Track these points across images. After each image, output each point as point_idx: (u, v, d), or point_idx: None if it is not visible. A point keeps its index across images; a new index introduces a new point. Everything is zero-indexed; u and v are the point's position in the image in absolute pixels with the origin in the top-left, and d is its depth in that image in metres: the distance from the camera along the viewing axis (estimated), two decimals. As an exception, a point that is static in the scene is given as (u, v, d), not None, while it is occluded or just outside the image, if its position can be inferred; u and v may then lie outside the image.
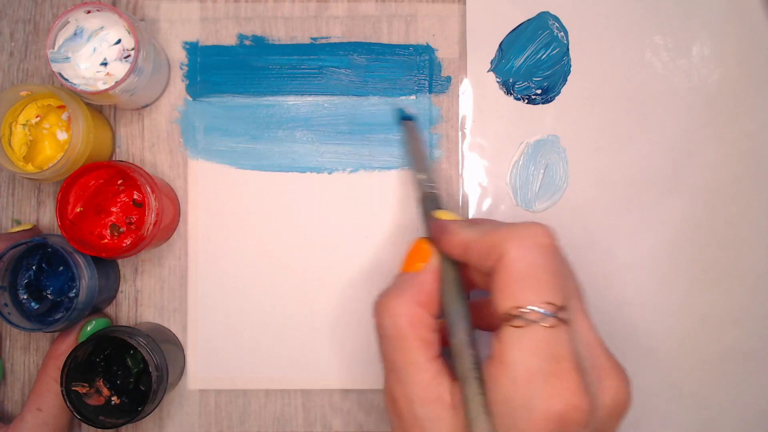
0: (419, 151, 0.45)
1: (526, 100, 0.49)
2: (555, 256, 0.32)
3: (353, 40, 0.49)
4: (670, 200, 0.49)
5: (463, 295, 0.35)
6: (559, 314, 0.31)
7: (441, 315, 0.35)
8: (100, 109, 0.48)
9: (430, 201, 0.41)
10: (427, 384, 0.33)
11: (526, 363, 0.30)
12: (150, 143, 0.49)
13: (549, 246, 0.32)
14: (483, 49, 0.49)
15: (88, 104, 0.44)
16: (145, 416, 0.42)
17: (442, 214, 0.38)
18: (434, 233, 0.37)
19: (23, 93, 0.43)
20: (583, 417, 0.30)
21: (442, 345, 0.35)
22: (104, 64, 0.43)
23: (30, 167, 0.44)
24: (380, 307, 0.35)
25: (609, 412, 0.32)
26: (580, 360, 0.31)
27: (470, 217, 0.49)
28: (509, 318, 0.31)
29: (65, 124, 0.45)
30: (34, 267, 0.44)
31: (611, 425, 0.32)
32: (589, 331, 0.33)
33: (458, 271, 0.36)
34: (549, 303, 0.31)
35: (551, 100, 0.49)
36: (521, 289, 0.31)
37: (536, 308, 0.30)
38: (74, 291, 0.43)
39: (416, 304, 0.34)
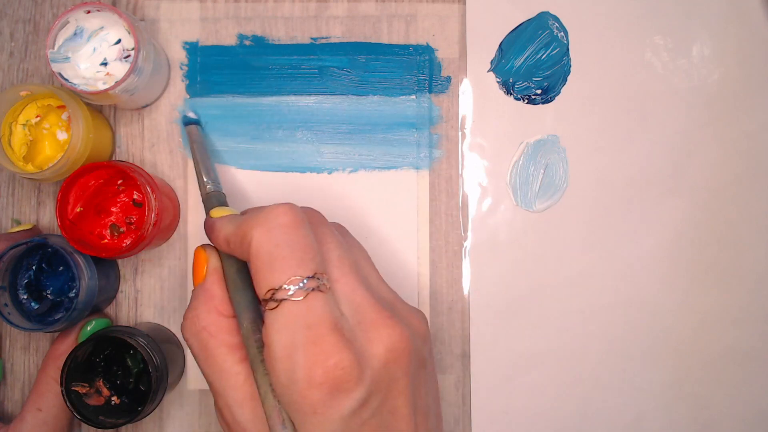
0: (201, 153, 0.45)
1: (526, 100, 0.49)
2: (298, 230, 0.33)
3: (353, 40, 0.49)
4: (670, 200, 0.49)
5: (245, 285, 0.35)
6: (309, 284, 0.31)
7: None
8: (100, 109, 0.48)
9: (212, 199, 0.41)
10: (240, 386, 0.33)
11: (283, 340, 0.30)
12: (150, 143, 0.49)
13: (289, 223, 0.33)
14: (483, 49, 0.49)
15: (88, 104, 0.44)
16: (145, 416, 0.42)
17: (216, 212, 0.38)
18: (206, 233, 0.37)
19: (23, 93, 0.43)
20: (349, 372, 0.30)
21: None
22: (104, 64, 0.43)
23: (30, 167, 0.44)
24: (182, 327, 0.35)
25: (385, 360, 0.32)
26: (341, 321, 0.31)
27: (470, 218, 0.49)
28: (264, 303, 0.31)
29: (65, 124, 0.45)
30: (34, 267, 0.44)
31: (398, 371, 0.32)
32: (355, 291, 0.33)
33: (240, 263, 0.36)
34: (298, 276, 0.31)
35: (551, 100, 0.49)
36: (267, 271, 0.32)
37: (285, 286, 0.31)
38: (74, 291, 0.43)
39: (210, 312, 0.34)
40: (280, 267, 0.31)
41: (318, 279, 0.32)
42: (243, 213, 0.37)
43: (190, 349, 0.35)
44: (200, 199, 0.48)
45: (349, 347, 0.31)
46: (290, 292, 0.31)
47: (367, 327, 0.32)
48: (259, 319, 0.33)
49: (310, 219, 0.35)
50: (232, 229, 0.34)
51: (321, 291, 0.31)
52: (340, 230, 0.38)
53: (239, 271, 0.36)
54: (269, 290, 0.31)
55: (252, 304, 0.34)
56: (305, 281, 0.31)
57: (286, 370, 0.30)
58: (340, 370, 0.30)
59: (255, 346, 0.33)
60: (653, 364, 0.48)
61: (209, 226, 0.37)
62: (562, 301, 0.48)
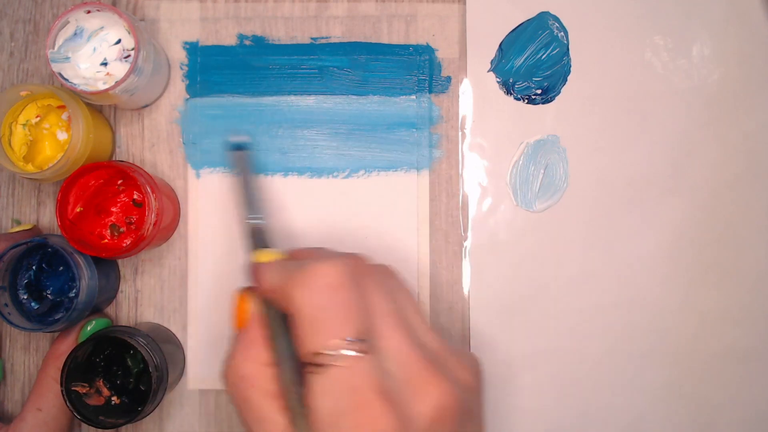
0: (248, 183, 0.42)
1: (526, 100, 0.49)
2: (343, 291, 0.32)
3: (353, 40, 0.49)
4: (670, 200, 0.49)
5: (286, 335, 0.34)
6: (353, 346, 0.31)
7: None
8: (100, 109, 0.48)
9: (255, 238, 0.39)
10: None
11: (328, 406, 0.30)
12: (150, 143, 0.49)
13: (334, 284, 0.32)
14: (483, 49, 0.49)
15: (88, 104, 0.44)
16: (145, 416, 0.42)
17: (260, 255, 0.37)
18: (251, 278, 0.36)
19: (23, 93, 0.43)
20: None
21: None
22: (104, 64, 0.43)
23: (30, 167, 0.44)
24: (223, 374, 0.35)
25: (431, 419, 0.31)
26: (387, 382, 0.31)
27: (470, 218, 0.49)
28: (307, 365, 0.31)
29: (65, 124, 0.45)
30: (34, 267, 0.44)
31: (444, 429, 0.32)
32: (402, 347, 0.33)
33: (283, 313, 0.35)
34: (342, 340, 0.31)
35: (551, 100, 0.49)
36: (310, 333, 0.31)
37: (328, 351, 0.31)
38: (74, 291, 0.43)
39: (251, 360, 0.34)
40: (323, 330, 0.31)
41: (363, 341, 0.31)
42: (288, 256, 0.36)
43: (230, 396, 0.34)
44: (201, 198, 0.48)
45: (395, 411, 0.30)
46: (334, 357, 0.31)
47: (414, 385, 0.32)
48: (300, 371, 0.33)
49: (355, 270, 0.34)
50: (276, 282, 0.34)
51: (366, 353, 0.31)
52: (385, 273, 0.37)
53: (282, 320, 0.35)
54: (312, 353, 0.31)
55: (293, 355, 0.34)
56: (350, 343, 0.31)
57: None
58: None
59: (296, 400, 0.32)
60: (653, 364, 0.48)
61: (253, 272, 0.36)
62: (562, 301, 0.48)
